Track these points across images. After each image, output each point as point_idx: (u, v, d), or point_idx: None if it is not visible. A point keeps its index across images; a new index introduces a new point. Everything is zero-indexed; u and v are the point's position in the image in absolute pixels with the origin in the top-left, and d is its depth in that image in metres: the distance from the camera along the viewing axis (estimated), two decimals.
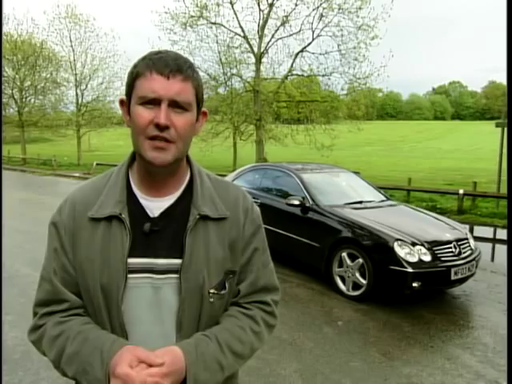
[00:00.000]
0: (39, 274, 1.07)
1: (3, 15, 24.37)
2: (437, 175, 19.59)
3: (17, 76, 26.77)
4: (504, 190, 10.12)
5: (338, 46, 18.48)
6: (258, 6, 19.00)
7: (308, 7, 18.34)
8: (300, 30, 18.83)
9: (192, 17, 19.07)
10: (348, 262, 4.88)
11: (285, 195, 5.94)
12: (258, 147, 19.97)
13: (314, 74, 19.55)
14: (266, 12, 19.11)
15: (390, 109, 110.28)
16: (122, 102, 1.02)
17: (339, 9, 17.85)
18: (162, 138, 0.93)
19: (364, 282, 4.70)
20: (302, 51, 19.20)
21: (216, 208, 1.05)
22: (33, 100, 28.89)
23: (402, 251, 4.49)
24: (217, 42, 19.48)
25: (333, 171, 6.77)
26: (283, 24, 18.97)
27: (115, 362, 0.89)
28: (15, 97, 27.42)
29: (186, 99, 0.95)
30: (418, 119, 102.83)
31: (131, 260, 0.98)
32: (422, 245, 4.57)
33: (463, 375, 3.30)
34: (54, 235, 1.04)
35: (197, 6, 18.91)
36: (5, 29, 24.89)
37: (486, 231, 9.09)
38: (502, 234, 8.81)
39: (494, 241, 8.62)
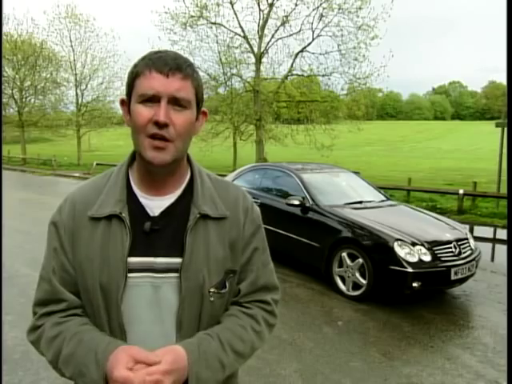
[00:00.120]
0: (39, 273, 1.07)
1: (3, 15, 24.39)
2: (437, 175, 19.60)
3: (17, 76, 26.78)
4: (504, 190, 10.12)
5: (338, 46, 18.51)
6: (258, 6, 19.03)
7: (308, 7, 18.37)
8: (300, 30, 18.86)
9: (192, 17, 19.07)
10: (348, 262, 4.88)
11: (285, 195, 5.94)
12: (258, 147, 19.98)
13: (314, 74, 19.56)
14: (266, 12, 19.13)
15: (390, 109, 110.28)
16: (122, 102, 1.02)
17: (339, 9, 17.86)
18: (161, 137, 0.93)
19: (364, 282, 4.70)
20: (302, 51, 19.20)
21: (216, 207, 1.05)
22: (33, 100, 28.91)
23: (401, 251, 4.49)
24: (217, 42, 19.51)
25: (333, 171, 6.77)
26: (283, 24, 18.98)
27: (111, 364, 0.88)
28: (15, 97, 27.44)
29: (186, 96, 0.95)
30: (418, 119, 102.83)
31: (131, 259, 0.98)
32: (422, 245, 4.57)
33: (463, 375, 3.30)
34: (54, 235, 1.05)
35: (197, 5, 18.93)
36: (5, 29, 24.93)
37: (486, 231, 9.09)
38: (502, 234, 8.81)
39: (494, 241, 8.62)
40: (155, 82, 0.92)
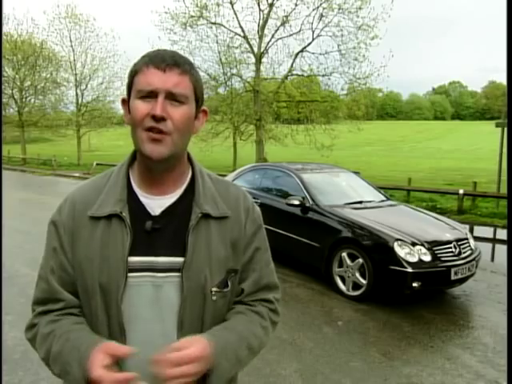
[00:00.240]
0: None
1: (3, 15, 24.39)
2: (437, 175, 19.60)
3: (17, 76, 26.78)
4: (504, 190, 10.12)
5: (338, 46, 18.51)
6: (258, 6, 19.03)
7: (308, 7, 18.37)
8: (300, 30, 18.86)
9: (192, 17, 19.08)
10: (348, 262, 4.88)
11: (285, 195, 5.94)
12: (258, 147, 19.98)
13: (314, 74, 19.56)
14: (266, 12, 19.13)
15: (390, 109, 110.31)
16: (123, 102, 1.03)
17: (339, 9, 17.86)
18: (158, 130, 0.94)
19: (364, 282, 4.70)
20: (302, 51, 19.20)
21: (217, 207, 1.05)
22: (33, 100, 28.92)
23: (402, 251, 4.49)
24: (217, 42, 19.52)
25: (333, 171, 6.77)
26: (283, 24, 18.98)
27: (90, 363, 0.88)
28: (15, 97, 27.44)
29: (183, 92, 0.95)
30: (418, 119, 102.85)
31: (132, 258, 0.98)
32: (422, 245, 4.57)
33: (463, 375, 3.30)
34: (53, 234, 1.05)
35: (197, 5, 18.93)
36: (5, 29, 24.92)
37: (486, 231, 9.09)
38: (502, 234, 8.81)
39: (494, 241, 8.63)
40: (153, 78, 0.93)
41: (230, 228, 1.06)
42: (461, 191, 10.80)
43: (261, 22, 19.31)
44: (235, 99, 19.92)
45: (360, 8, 17.61)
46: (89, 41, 26.66)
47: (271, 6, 18.94)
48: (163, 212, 1.02)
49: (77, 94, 27.27)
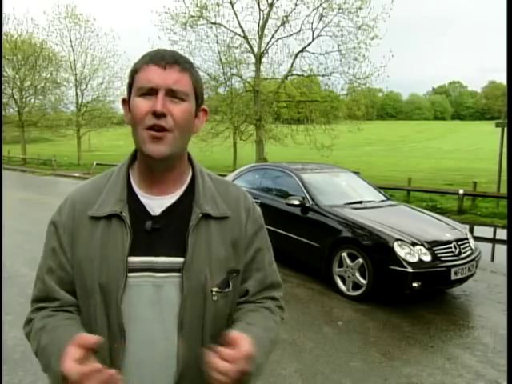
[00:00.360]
0: None
1: (3, 15, 24.39)
2: (437, 175, 19.60)
3: (17, 76, 26.79)
4: (504, 190, 10.12)
5: (338, 46, 18.51)
6: (258, 6, 19.02)
7: (308, 7, 18.37)
8: (300, 30, 18.86)
9: (192, 17, 19.07)
10: (348, 262, 4.88)
11: (285, 195, 5.94)
12: (258, 147, 19.98)
13: (314, 74, 19.56)
14: (266, 12, 19.13)
15: (390, 109, 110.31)
16: (124, 101, 1.03)
17: (339, 9, 17.86)
18: (159, 127, 0.94)
19: (364, 282, 4.70)
20: (302, 51, 19.20)
21: (217, 207, 1.05)
22: (33, 100, 28.93)
23: (402, 251, 4.49)
24: (217, 42, 19.52)
25: (333, 171, 6.77)
26: (283, 24, 18.98)
27: (63, 358, 0.87)
28: (15, 97, 27.45)
29: (183, 89, 0.95)
30: (418, 119, 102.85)
31: (131, 258, 0.98)
32: (422, 245, 4.57)
33: (463, 375, 3.30)
34: (53, 234, 1.05)
35: (197, 5, 18.93)
36: (5, 29, 24.92)
37: (485, 231, 9.09)
38: (502, 234, 8.81)
39: (494, 241, 8.63)
40: (153, 75, 0.94)
41: (231, 228, 1.06)
42: (461, 191, 10.80)
43: (261, 22, 19.31)
44: (235, 99, 19.92)
45: (360, 8, 17.62)
46: (89, 41, 26.71)
47: (271, 6, 18.94)
48: (163, 212, 1.02)
49: (77, 94, 27.29)
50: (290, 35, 19.16)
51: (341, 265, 4.97)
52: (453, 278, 4.55)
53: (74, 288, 1.03)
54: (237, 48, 19.61)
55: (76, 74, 26.97)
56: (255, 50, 19.61)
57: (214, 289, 1.01)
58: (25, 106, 27.88)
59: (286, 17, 18.80)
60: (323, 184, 6.08)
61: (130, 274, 0.98)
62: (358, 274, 4.77)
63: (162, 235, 1.01)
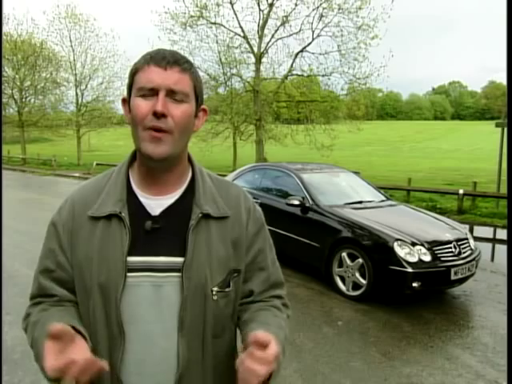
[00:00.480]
0: None
1: (3, 15, 24.38)
2: (437, 175, 19.59)
3: (17, 76, 26.78)
4: (504, 190, 10.12)
5: (338, 46, 18.47)
6: (258, 6, 19.01)
7: (308, 7, 18.35)
8: (300, 30, 18.83)
9: (192, 17, 19.06)
10: (348, 262, 4.88)
11: (285, 195, 5.94)
12: (258, 147, 19.97)
13: (313, 74, 19.54)
14: (265, 12, 19.11)
15: (389, 109, 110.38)
16: (123, 101, 1.03)
17: (339, 9, 17.84)
18: (159, 129, 0.94)
19: (364, 282, 4.70)
20: (301, 51, 19.19)
21: (217, 207, 1.05)
22: (33, 100, 28.92)
23: (401, 251, 4.49)
24: (217, 42, 19.49)
25: (333, 171, 6.77)
26: (283, 24, 18.96)
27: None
28: (15, 97, 27.43)
29: (183, 89, 0.96)
30: (418, 119, 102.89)
31: (131, 258, 0.98)
32: (422, 245, 4.57)
33: (463, 375, 3.30)
34: (52, 234, 1.05)
35: (197, 6, 18.91)
36: (5, 29, 24.91)
37: (485, 231, 9.09)
38: (502, 233, 8.81)
39: (494, 241, 8.63)
40: (153, 75, 0.93)
41: (231, 228, 1.06)
42: (461, 191, 10.80)
43: (261, 22, 19.30)
44: (235, 99, 19.90)
45: (360, 8, 17.60)
46: (89, 41, 26.70)
47: (271, 6, 18.92)
48: (163, 212, 1.02)
49: (77, 94, 27.28)
50: (290, 35, 19.16)
51: (341, 265, 4.97)
52: (453, 277, 4.55)
53: (73, 287, 1.03)
54: (237, 48, 19.61)
55: (76, 74, 26.96)
56: (255, 50, 19.60)
57: (215, 288, 1.01)
58: (25, 106, 27.87)
59: (286, 17, 18.79)
60: (323, 184, 6.08)
61: (129, 274, 0.98)
62: (357, 274, 4.77)
63: (161, 235, 1.01)
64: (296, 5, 18.46)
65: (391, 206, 5.98)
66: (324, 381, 3.18)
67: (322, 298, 4.88)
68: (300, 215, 5.58)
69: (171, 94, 0.94)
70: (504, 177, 8.92)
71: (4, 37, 24.36)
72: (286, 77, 19.98)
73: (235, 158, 21.75)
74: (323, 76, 19.37)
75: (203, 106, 1.05)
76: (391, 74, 18.63)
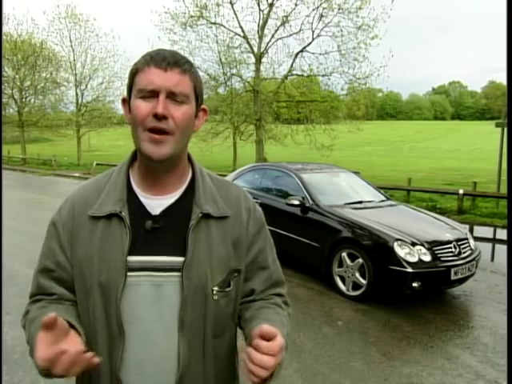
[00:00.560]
0: None
1: (3, 15, 24.38)
2: (437, 175, 19.59)
3: (17, 76, 26.77)
4: (504, 190, 10.12)
5: (338, 46, 18.47)
6: (258, 6, 19.00)
7: (308, 7, 18.34)
8: (300, 30, 18.83)
9: (192, 17, 19.06)
10: (348, 262, 4.88)
11: (285, 195, 5.94)
12: (258, 147, 19.97)
13: (313, 74, 19.54)
14: (265, 12, 19.10)
15: (389, 109, 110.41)
16: (123, 101, 1.03)
17: (339, 9, 17.84)
18: (160, 130, 0.94)
19: (364, 282, 4.70)
20: (301, 51, 19.18)
21: (218, 207, 1.05)
22: (33, 100, 28.91)
23: (401, 251, 4.49)
24: (217, 42, 19.49)
25: (333, 171, 6.76)
26: (283, 24, 18.96)
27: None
28: (15, 97, 27.43)
29: (184, 91, 0.96)
30: (418, 119, 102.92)
31: (131, 258, 0.98)
32: (422, 245, 4.57)
33: (463, 375, 3.30)
34: (52, 234, 1.06)
35: (197, 6, 18.91)
36: (5, 29, 24.90)
37: (485, 231, 9.09)
38: (502, 233, 8.81)
39: (494, 241, 8.63)
40: (154, 77, 0.93)
41: (231, 228, 1.06)
42: (461, 191, 10.80)
43: (261, 22, 19.29)
44: (235, 99, 19.90)
45: (360, 8, 17.60)
46: (89, 41, 26.68)
47: (271, 6, 18.92)
48: (163, 212, 1.02)
49: (77, 94, 27.28)
50: (290, 35, 19.15)
51: (341, 265, 4.97)
52: (453, 277, 4.55)
53: (73, 287, 1.04)
54: (237, 48, 19.61)
55: (76, 74, 26.95)
56: (255, 50, 19.59)
57: (215, 288, 1.02)
58: (25, 106, 27.86)
59: (286, 17, 18.79)
60: (323, 184, 6.08)
61: (129, 274, 0.98)
62: (357, 274, 4.77)
63: (162, 235, 1.01)
64: (296, 5, 18.46)
65: (391, 206, 5.98)
66: (324, 381, 3.18)
67: (322, 298, 4.88)
68: (300, 215, 5.58)
69: (171, 95, 0.94)
70: (504, 177, 8.92)
71: (4, 37, 24.36)
72: (285, 77, 19.97)
73: (235, 158, 21.75)
74: (323, 76, 19.38)
75: (203, 106, 1.05)
76: (391, 74, 18.65)
